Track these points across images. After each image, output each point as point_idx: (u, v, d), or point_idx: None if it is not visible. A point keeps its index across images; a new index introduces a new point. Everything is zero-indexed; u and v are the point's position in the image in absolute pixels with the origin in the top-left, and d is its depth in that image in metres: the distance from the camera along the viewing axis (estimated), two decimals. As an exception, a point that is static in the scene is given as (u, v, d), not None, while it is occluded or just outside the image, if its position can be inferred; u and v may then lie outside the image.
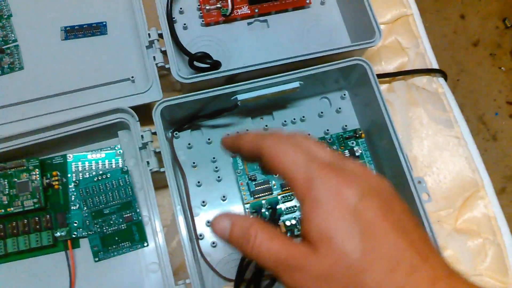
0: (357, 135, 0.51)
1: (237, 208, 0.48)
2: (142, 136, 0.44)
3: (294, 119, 0.52)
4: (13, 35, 0.50)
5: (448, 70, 1.38)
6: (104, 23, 0.52)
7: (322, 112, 0.52)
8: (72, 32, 0.51)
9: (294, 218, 0.46)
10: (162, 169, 0.43)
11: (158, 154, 0.44)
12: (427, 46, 0.59)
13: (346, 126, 0.52)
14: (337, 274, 0.22)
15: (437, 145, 0.53)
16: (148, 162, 0.43)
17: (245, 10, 0.55)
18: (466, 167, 0.53)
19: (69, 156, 0.46)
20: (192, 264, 0.40)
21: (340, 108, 0.53)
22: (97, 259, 0.44)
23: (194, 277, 0.40)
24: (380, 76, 0.55)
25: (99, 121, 0.44)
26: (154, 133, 0.44)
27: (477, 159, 0.54)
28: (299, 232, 0.46)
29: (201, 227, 0.47)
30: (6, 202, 0.43)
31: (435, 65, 0.58)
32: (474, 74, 1.38)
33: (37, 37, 0.51)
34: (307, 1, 0.56)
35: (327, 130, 0.51)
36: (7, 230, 0.43)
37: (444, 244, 0.50)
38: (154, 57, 0.47)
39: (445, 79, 0.58)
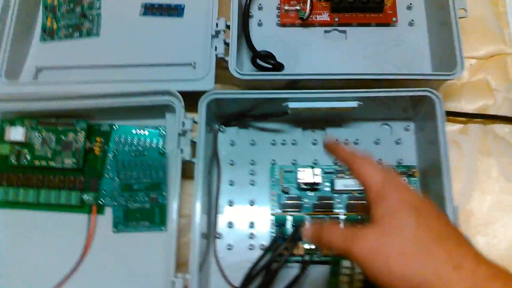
0: (410, 173, 0.46)
1: (262, 216, 0.46)
2: (183, 123, 0.44)
3: (347, 139, 0.48)
4: (98, 3, 0.53)
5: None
6: (183, 6, 0.53)
7: (379, 139, 0.48)
8: (151, 9, 0.53)
9: (317, 243, 0.43)
10: (193, 160, 0.43)
11: (194, 144, 0.43)
12: (521, 92, 0.51)
13: (401, 160, 0.47)
14: (391, 240, 0.28)
15: (501, 205, 0.46)
16: (182, 150, 0.43)
17: (325, 17, 0.52)
18: (529, 238, 0.45)
19: (116, 126, 0.47)
20: (197, 260, 0.39)
21: (400, 139, 0.48)
22: (115, 229, 0.45)
23: (194, 274, 0.39)
24: (454, 114, 0.49)
25: (147, 99, 0.45)
26: (197, 123, 0.44)
27: (546, 232, 0.46)
28: (318, 258, 0.43)
29: (222, 226, 0.46)
30: (50, 156, 0.46)
31: (526, 116, 0.50)
32: None
33: (119, 8, 0.53)
34: (394, 19, 0.52)
35: (380, 159, 0.47)
36: (44, 182, 0.46)
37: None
38: (215, 47, 0.47)
39: (534, 134, 0.50)
